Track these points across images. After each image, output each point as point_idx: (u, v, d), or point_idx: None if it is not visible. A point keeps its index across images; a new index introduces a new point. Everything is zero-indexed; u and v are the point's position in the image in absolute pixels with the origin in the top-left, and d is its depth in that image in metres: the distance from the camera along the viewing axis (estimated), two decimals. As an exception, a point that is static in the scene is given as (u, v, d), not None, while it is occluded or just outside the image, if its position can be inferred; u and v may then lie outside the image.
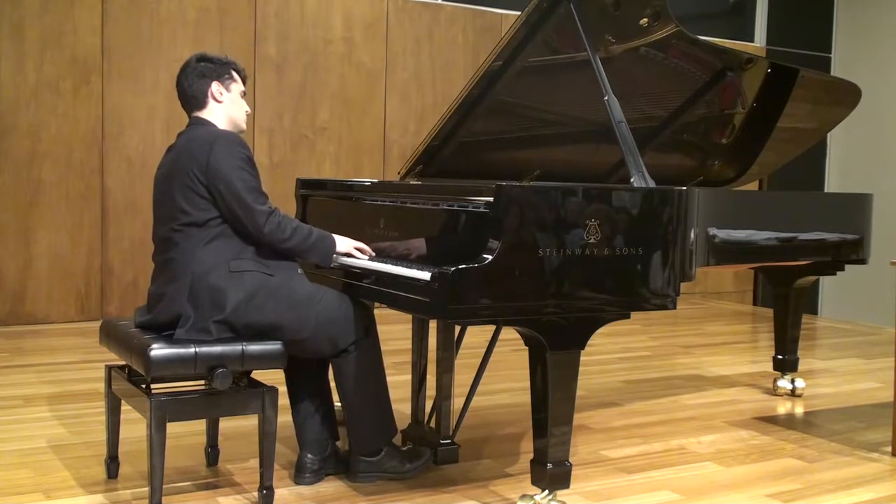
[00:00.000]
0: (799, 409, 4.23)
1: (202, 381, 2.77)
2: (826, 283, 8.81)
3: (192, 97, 2.92)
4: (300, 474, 2.97)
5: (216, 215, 2.77)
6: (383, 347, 2.99)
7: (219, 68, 2.93)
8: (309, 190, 3.64)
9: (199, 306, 2.71)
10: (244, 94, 3.00)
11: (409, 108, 7.03)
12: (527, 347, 2.68)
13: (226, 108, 2.93)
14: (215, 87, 2.91)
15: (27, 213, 5.81)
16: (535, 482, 2.72)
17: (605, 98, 3.00)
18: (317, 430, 3.00)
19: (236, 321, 2.72)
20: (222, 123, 2.91)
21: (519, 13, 3.16)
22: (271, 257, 2.83)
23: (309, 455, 2.98)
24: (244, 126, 2.98)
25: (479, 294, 2.44)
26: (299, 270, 2.90)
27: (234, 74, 2.96)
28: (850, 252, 4.01)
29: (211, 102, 2.91)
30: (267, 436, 2.71)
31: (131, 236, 6.09)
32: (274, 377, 2.95)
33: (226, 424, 3.18)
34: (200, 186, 2.75)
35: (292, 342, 2.80)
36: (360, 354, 2.88)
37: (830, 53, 9.21)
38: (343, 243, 2.95)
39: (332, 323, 2.82)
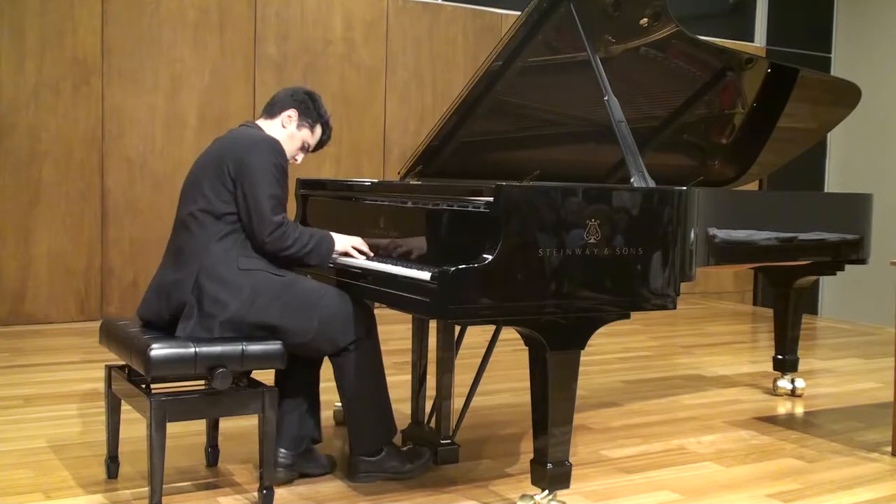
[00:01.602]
0: (799, 409, 4.23)
1: (202, 381, 2.77)
2: (826, 283, 8.81)
3: (272, 104, 3.05)
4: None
5: (234, 211, 2.80)
6: (383, 347, 2.99)
7: (309, 110, 3.04)
8: (309, 190, 3.64)
9: (204, 300, 2.72)
10: (305, 149, 3.07)
11: (409, 108, 7.03)
12: (527, 347, 2.68)
13: (283, 135, 2.99)
14: (291, 113, 3.02)
15: (27, 213, 5.81)
16: (535, 482, 2.72)
17: (605, 98, 3.01)
18: (294, 426, 2.98)
19: (239, 320, 2.73)
20: None
21: (519, 13, 3.16)
22: (278, 261, 2.85)
23: (281, 450, 2.93)
24: None
25: (478, 294, 2.44)
26: (307, 275, 2.91)
27: (317, 129, 3.08)
28: (850, 252, 4.01)
29: (277, 121, 3.01)
30: (267, 436, 2.71)
31: (131, 236, 6.10)
32: (273, 376, 2.95)
33: (226, 424, 3.19)
34: (228, 179, 2.80)
35: (293, 344, 2.81)
36: (361, 354, 2.88)
37: (830, 53, 9.21)
38: (341, 241, 2.97)
39: (334, 322, 2.83)
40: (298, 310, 2.79)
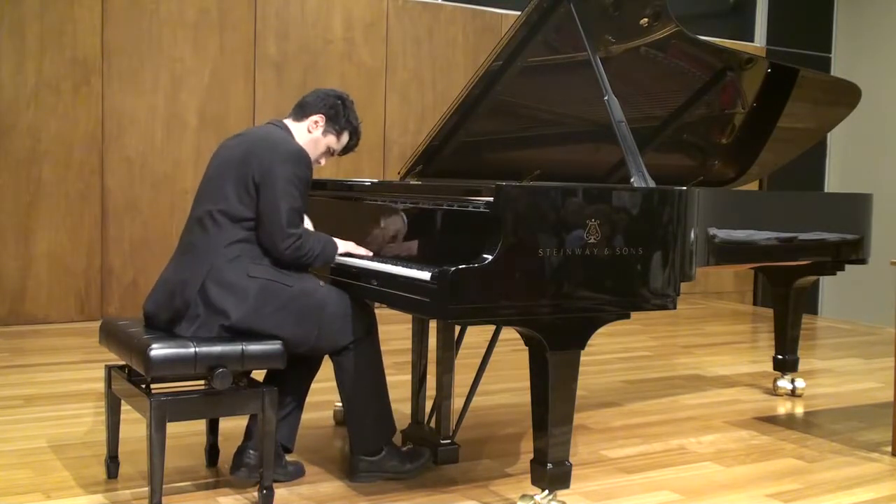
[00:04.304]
0: (799, 409, 4.23)
1: (202, 381, 2.77)
2: (826, 283, 8.81)
3: (302, 105, 3.02)
4: (235, 469, 2.91)
5: (251, 217, 2.79)
6: (383, 347, 2.99)
7: (338, 116, 3.00)
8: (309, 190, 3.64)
9: (208, 304, 2.72)
10: (330, 153, 3.06)
11: (409, 108, 7.03)
12: (527, 347, 2.68)
13: (308, 141, 2.98)
14: (318, 119, 2.99)
15: (27, 213, 5.81)
16: (535, 482, 2.72)
17: (605, 98, 3.01)
18: None
19: (242, 327, 2.74)
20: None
21: (519, 13, 3.16)
22: (290, 267, 2.84)
23: (250, 450, 2.90)
24: None
25: (478, 294, 2.44)
26: (321, 284, 2.89)
27: (344, 136, 3.04)
28: (850, 252, 4.01)
29: (304, 125, 2.99)
30: (267, 436, 2.71)
31: (131, 236, 6.10)
32: (265, 373, 2.94)
33: (226, 424, 3.18)
34: (252, 184, 2.79)
35: (294, 349, 2.82)
36: (361, 353, 2.88)
37: (830, 53, 9.21)
38: (343, 247, 2.99)
39: (334, 322, 2.83)
40: (302, 319, 2.79)
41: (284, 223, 2.77)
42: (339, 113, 3.01)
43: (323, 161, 3.07)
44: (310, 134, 2.99)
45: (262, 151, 2.82)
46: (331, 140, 3.03)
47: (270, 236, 2.78)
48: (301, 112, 3.02)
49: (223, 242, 2.77)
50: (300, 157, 2.84)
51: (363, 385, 2.90)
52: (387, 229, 3.05)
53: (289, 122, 3.01)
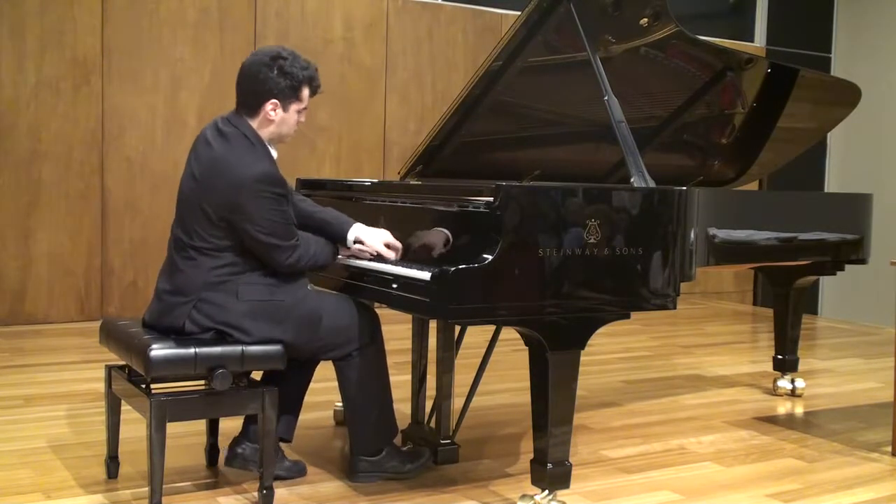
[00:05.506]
0: (799, 409, 4.23)
1: (202, 381, 2.77)
2: (826, 283, 8.81)
3: (247, 100, 2.78)
4: (229, 460, 2.94)
5: (230, 244, 2.72)
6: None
7: (287, 87, 2.75)
8: (309, 190, 3.64)
9: (203, 329, 2.71)
10: (304, 110, 2.83)
11: (409, 108, 7.03)
12: (527, 347, 2.68)
13: (275, 125, 2.79)
14: (271, 105, 2.76)
15: (27, 213, 5.81)
16: (535, 482, 2.72)
17: (605, 98, 3.01)
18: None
19: (238, 342, 2.73)
20: (265, 135, 2.79)
21: (519, 13, 3.16)
22: (280, 276, 2.80)
23: (246, 443, 2.93)
24: (287, 140, 2.87)
25: (478, 294, 2.44)
26: (309, 286, 2.88)
27: (303, 92, 2.79)
28: (850, 252, 4.01)
29: (261, 117, 2.77)
30: (267, 435, 2.71)
31: (131, 236, 6.10)
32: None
33: (226, 424, 3.18)
34: (219, 219, 2.70)
35: (294, 355, 2.83)
36: (364, 358, 2.87)
37: (830, 53, 9.21)
38: (373, 237, 2.90)
39: (335, 332, 2.83)
40: (300, 328, 2.78)
41: (277, 242, 2.70)
42: (282, 84, 2.74)
43: (303, 117, 2.85)
44: (272, 121, 2.77)
45: (219, 185, 2.69)
46: (295, 106, 2.79)
47: (270, 260, 2.74)
48: (249, 105, 2.77)
49: (207, 268, 2.72)
50: (260, 179, 2.67)
51: (366, 389, 2.90)
52: (387, 229, 3.04)
53: (247, 117, 2.78)
